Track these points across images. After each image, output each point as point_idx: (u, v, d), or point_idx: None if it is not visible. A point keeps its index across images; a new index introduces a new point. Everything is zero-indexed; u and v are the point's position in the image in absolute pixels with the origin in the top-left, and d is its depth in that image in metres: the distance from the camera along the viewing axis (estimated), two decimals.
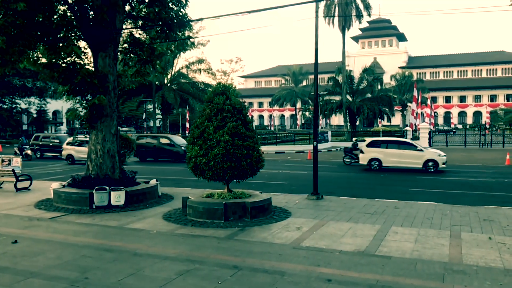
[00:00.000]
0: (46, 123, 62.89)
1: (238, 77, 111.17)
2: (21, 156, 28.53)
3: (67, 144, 28.02)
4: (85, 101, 12.95)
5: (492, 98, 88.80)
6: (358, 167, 22.91)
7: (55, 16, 12.44)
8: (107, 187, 11.86)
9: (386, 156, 21.53)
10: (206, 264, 7.08)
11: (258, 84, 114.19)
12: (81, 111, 13.35)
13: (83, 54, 12.87)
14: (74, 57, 12.59)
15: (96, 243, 8.43)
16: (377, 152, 21.80)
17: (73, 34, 13.05)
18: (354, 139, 25.08)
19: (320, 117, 52.87)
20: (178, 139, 28.96)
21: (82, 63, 12.92)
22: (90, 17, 12.76)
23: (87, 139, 26.29)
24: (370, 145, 22.20)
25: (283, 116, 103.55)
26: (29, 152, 29.48)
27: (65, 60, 12.63)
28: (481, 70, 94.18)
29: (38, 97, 56.08)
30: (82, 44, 13.31)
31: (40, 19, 12.12)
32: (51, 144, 30.78)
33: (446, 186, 16.35)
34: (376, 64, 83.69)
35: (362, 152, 22.18)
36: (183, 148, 26.30)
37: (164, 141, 28.18)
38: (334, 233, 8.97)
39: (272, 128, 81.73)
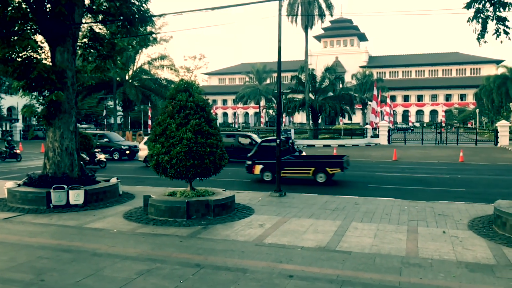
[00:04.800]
0: (0, 120, 60.16)
1: (201, 74, 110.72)
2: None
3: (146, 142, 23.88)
4: (42, 97, 12.50)
5: (447, 97, 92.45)
6: None
7: (9, 8, 11.91)
8: (65, 186, 11.52)
9: None
10: (167, 263, 7.01)
11: (222, 81, 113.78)
12: (38, 108, 12.93)
13: (40, 48, 12.35)
14: (30, 51, 12.06)
15: (53, 244, 8.18)
16: None
17: (29, 28, 12.55)
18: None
19: (284, 115, 53.32)
20: (256, 137, 25.85)
21: (38, 57, 12.40)
22: (47, 10, 12.32)
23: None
24: None
25: (247, 113, 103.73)
26: None
27: (20, 55, 12.08)
28: (437, 70, 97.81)
29: None
30: (39, 38, 12.82)
31: None
32: (97, 143, 25.48)
33: (404, 182, 16.90)
34: (338, 63, 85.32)
35: None
36: None
37: (244, 140, 25.14)
38: (296, 230, 9.09)
39: (236, 126, 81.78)
